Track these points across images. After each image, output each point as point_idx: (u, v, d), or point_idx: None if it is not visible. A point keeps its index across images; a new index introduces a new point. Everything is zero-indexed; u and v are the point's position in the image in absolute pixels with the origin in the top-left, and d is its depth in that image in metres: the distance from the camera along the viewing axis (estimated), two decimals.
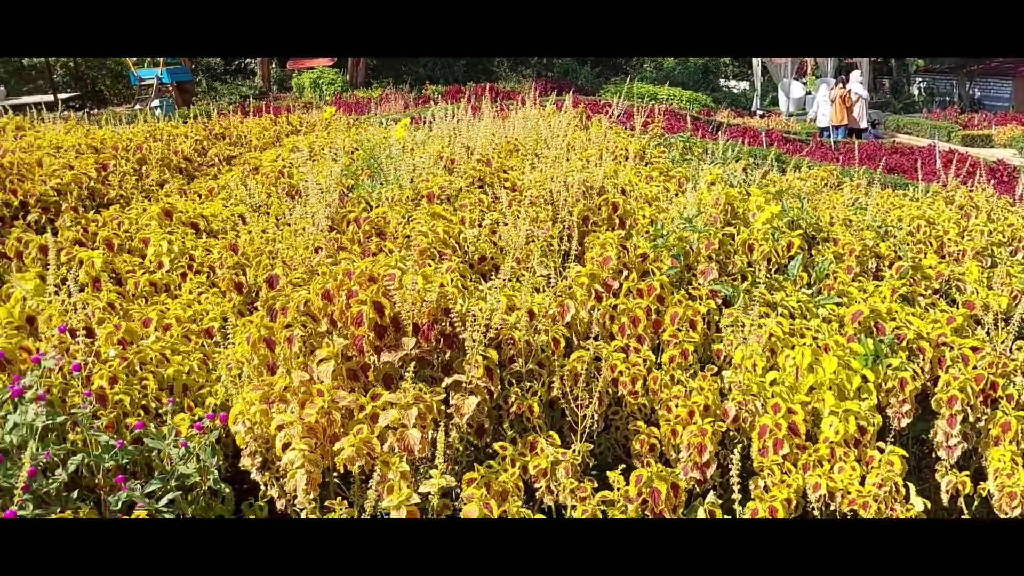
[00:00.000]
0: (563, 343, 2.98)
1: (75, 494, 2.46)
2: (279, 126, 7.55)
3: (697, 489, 2.75)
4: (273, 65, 21.65)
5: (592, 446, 2.68)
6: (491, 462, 2.55)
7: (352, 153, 5.78)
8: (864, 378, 2.96)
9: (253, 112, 10.22)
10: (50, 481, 2.37)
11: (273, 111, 9.70)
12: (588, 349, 2.94)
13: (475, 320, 2.62)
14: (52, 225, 4.46)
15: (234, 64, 21.94)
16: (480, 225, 3.84)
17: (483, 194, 4.23)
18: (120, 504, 2.36)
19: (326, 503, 2.31)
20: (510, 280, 3.15)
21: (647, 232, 3.81)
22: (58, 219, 4.46)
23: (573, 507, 2.48)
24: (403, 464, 2.31)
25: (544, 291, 3.27)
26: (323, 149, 6.01)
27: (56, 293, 3.50)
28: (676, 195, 4.60)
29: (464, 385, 2.59)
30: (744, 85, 29.56)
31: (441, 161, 4.89)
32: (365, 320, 2.55)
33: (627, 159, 5.42)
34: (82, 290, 3.58)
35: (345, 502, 2.29)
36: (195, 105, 17.34)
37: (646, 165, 5.61)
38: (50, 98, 16.18)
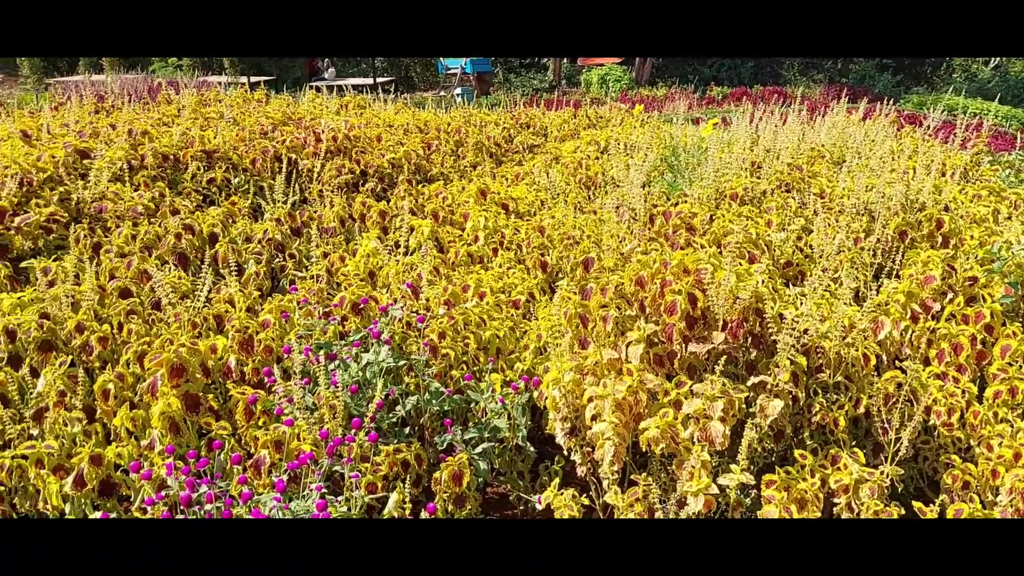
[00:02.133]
0: (873, 360, 2.85)
1: (407, 430, 2.80)
2: (578, 120, 7.85)
3: None
4: (565, 61, 22.44)
5: (901, 471, 2.54)
6: (789, 468, 2.52)
7: (646, 149, 5.90)
8: None
9: (544, 104, 10.72)
10: (391, 415, 2.73)
11: (557, 104, 10.13)
12: (903, 371, 2.79)
13: (786, 323, 2.60)
14: (387, 194, 5.05)
15: (528, 59, 23.06)
16: (785, 230, 3.76)
17: (790, 199, 4.13)
18: (445, 444, 2.66)
19: (631, 476, 2.42)
20: (818, 288, 3.06)
21: (975, 255, 3.50)
22: (392, 189, 5.03)
23: None
24: (704, 453, 2.36)
25: (851, 304, 3.14)
26: (619, 144, 6.19)
27: (390, 253, 3.98)
28: (1009, 218, 4.17)
29: (769, 387, 2.58)
30: None
31: (743, 162, 4.83)
32: (678, 310, 2.63)
33: (949, 175, 4.99)
34: (409, 253, 4.04)
35: (650, 477, 2.38)
36: (491, 95, 18.52)
37: (969, 183, 5.13)
38: (370, 81, 18.09)
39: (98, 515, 2.30)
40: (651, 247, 3.47)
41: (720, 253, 2.93)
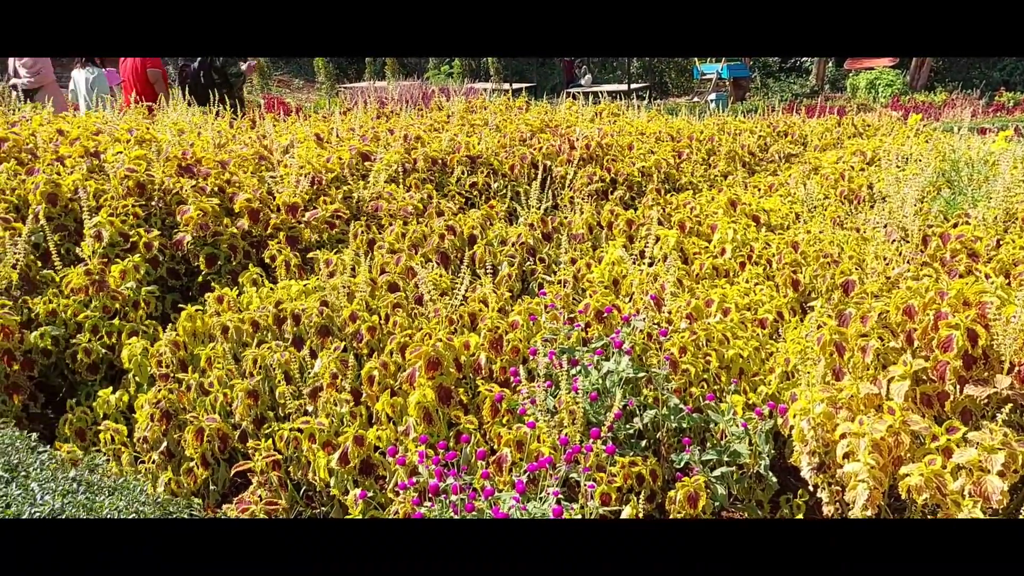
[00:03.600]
0: None
1: (642, 443, 2.80)
2: (842, 128, 7.36)
3: None
4: (830, 64, 21.12)
5: None
6: None
7: (919, 161, 5.38)
8: None
9: (805, 111, 10.14)
10: (627, 426, 2.73)
11: (819, 111, 9.51)
12: None
13: None
14: (635, 202, 5.06)
15: (789, 62, 21.97)
16: None
17: None
18: (681, 463, 2.61)
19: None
20: None
21: None
22: (640, 198, 5.04)
23: None
24: (976, 510, 2.11)
25: None
26: (888, 155, 5.71)
27: (634, 262, 3.98)
28: None
29: None
30: None
31: None
32: (954, 346, 2.37)
33: None
34: (653, 263, 4.01)
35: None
36: (747, 101, 17.89)
37: None
38: (624, 87, 18.23)
39: (357, 492, 2.54)
40: (923, 273, 3.17)
41: (1009, 284, 2.61)
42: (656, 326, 3.10)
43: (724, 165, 5.92)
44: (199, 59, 8.30)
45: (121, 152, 4.23)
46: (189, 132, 5.44)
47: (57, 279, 3.52)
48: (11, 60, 8.39)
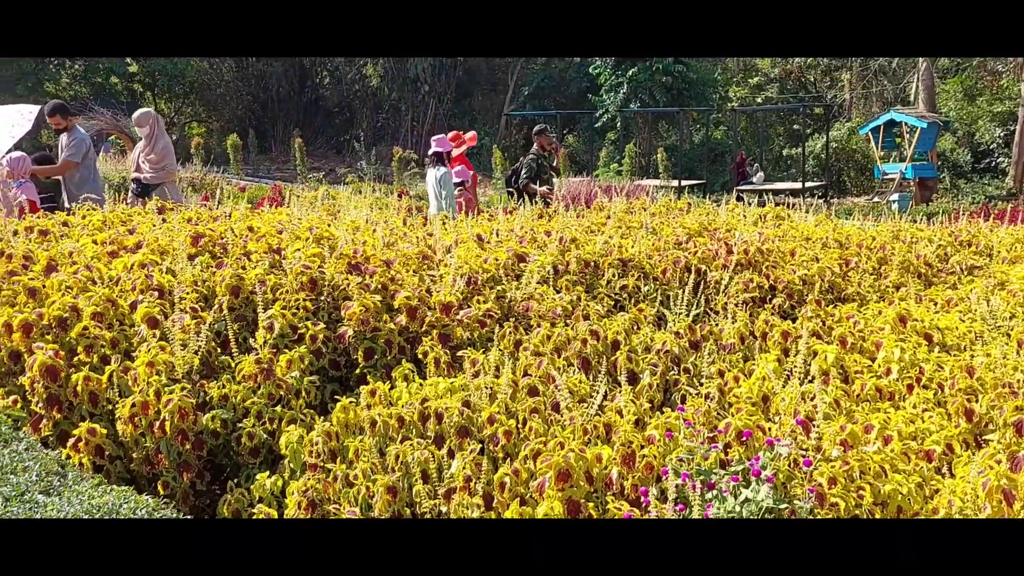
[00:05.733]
0: None
1: None
2: None
3: None
4: None
5: None
6: None
7: None
8: None
9: (997, 216, 9.42)
10: None
11: (1013, 217, 8.80)
12: None
13: None
14: (794, 312, 4.87)
15: (983, 162, 20.58)
16: None
17: None
18: None
19: None
20: None
21: None
22: (800, 307, 4.84)
23: None
24: None
25: None
26: None
27: (787, 378, 3.80)
28: None
29: None
30: None
31: None
32: None
33: None
34: (811, 381, 3.81)
35: None
36: (933, 203, 16.85)
37: None
38: (798, 184, 17.76)
39: None
40: None
41: None
42: (803, 452, 2.93)
43: (896, 275, 5.59)
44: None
45: (299, 250, 4.63)
46: (364, 229, 5.87)
47: (232, 365, 3.86)
48: (134, 154, 8.90)
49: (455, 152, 9.94)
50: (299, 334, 4.07)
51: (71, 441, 3.36)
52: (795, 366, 3.91)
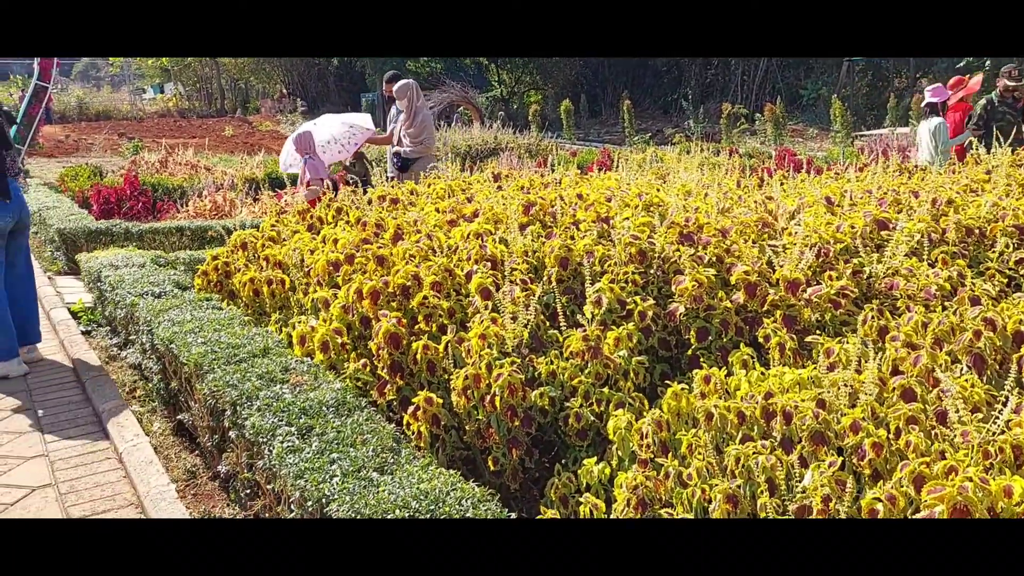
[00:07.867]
0: None
1: None
2: None
3: None
4: None
5: None
6: None
7: None
8: None
9: None
10: None
11: None
12: None
13: None
14: None
15: None
16: None
17: None
18: None
19: None
20: None
21: None
22: None
23: None
24: None
25: None
26: None
27: None
28: None
29: None
30: None
31: None
32: None
33: None
34: None
35: None
36: None
37: None
38: None
39: None
40: None
41: None
42: None
43: None
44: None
45: (628, 219, 4.37)
46: (696, 195, 5.45)
47: (560, 340, 3.72)
48: (396, 127, 8.98)
49: (952, 101, 9.46)
50: (627, 310, 3.81)
51: (411, 409, 3.46)
52: None
